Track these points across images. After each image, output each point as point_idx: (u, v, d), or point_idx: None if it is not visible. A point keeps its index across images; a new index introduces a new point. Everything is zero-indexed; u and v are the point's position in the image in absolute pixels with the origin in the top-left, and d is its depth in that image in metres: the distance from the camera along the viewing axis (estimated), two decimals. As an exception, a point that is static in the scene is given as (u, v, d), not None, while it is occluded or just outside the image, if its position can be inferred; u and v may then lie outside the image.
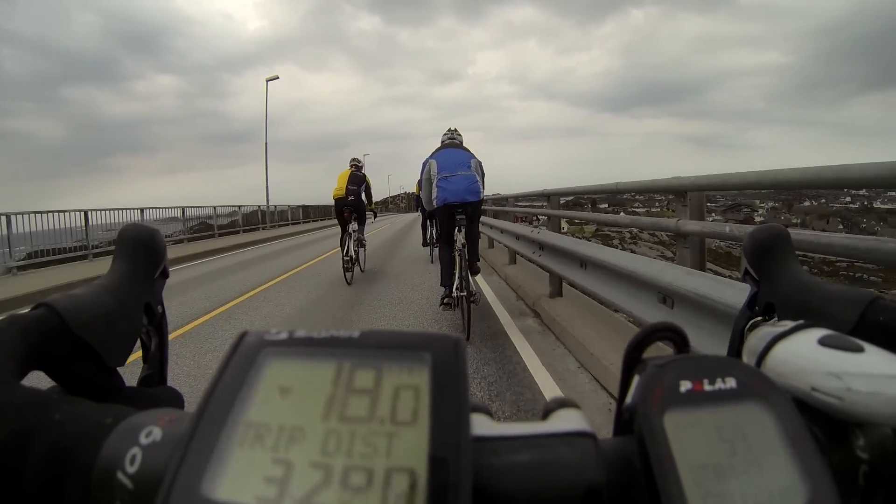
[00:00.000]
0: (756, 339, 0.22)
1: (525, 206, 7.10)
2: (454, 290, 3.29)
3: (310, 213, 23.89)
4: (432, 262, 4.25)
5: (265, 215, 18.50)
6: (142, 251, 0.27)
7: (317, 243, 11.56)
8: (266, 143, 20.47)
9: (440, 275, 3.51)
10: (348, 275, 5.41)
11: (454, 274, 3.31)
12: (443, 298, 3.44)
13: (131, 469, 0.16)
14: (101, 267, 5.83)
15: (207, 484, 0.14)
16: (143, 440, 0.16)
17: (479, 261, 3.54)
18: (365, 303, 4.43)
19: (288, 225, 20.27)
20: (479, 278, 4.94)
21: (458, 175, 3.33)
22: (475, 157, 3.46)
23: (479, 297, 3.75)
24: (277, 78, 21.11)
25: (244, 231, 16.22)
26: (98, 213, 9.25)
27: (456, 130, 3.74)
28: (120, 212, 10.10)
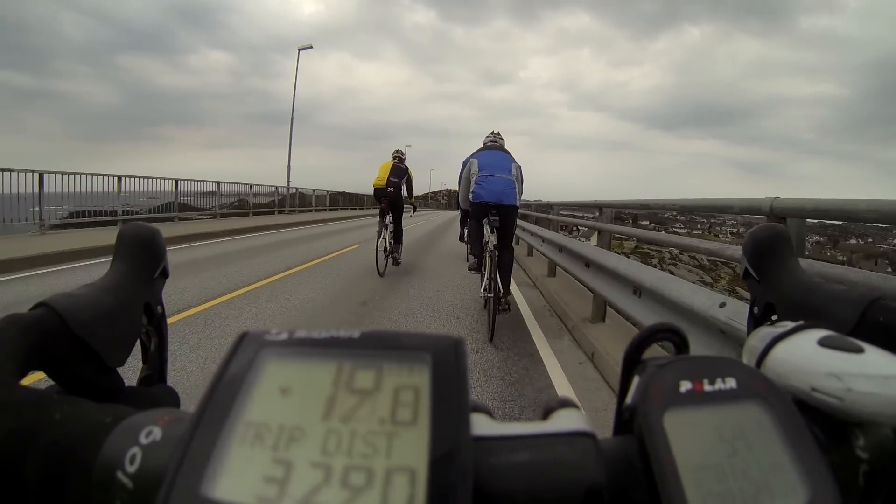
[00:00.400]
0: (756, 340, 0.22)
1: (566, 216, 6.85)
2: (482, 290, 3.37)
3: (338, 201, 23.70)
4: (470, 268, 3.83)
5: (294, 198, 18.08)
6: (142, 251, 0.27)
7: (349, 232, 11.66)
8: (292, 119, 19.39)
9: (469, 248, 3.87)
10: (381, 266, 5.37)
11: (485, 255, 3.39)
12: (470, 265, 3.68)
13: (131, 469, 0.16)
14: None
15: (207, 484, 0.14)
16: (143, 440, 0.16)
17: (510, 292, 3.55)
18: (393, 297, 4.37)
19: (317, 210, 19.99)
20: (513, 288, 4.65)
21: (496, 177, 3.36)
22: (516, 162, 3.47)
23: (512, 307, 3.70)
24: (311, 47, 20.05)
25: (279, 212, 16.25)
26: (131, 179, 9.30)
27: (499, 134, 3.77)
28: (154, 180, 10.17)
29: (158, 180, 10.45)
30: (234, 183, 14.13)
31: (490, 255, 3.28)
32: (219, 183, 13.15)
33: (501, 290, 3.25)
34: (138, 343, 0.27)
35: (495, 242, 3.30)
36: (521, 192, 3.48)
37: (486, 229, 3.38)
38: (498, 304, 3.21)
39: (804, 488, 0.15)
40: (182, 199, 11.39)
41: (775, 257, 0.28)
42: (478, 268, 3.53)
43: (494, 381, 2.59)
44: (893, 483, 0.18)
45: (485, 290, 3.34)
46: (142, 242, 0.27)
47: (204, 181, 12.56)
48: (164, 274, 0.28)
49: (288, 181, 18.08)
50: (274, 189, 16.90)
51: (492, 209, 3.34)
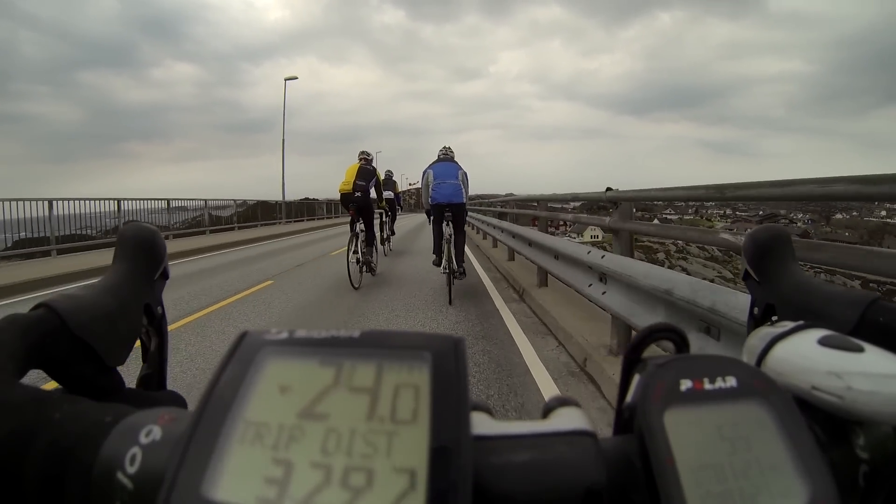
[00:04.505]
0: (756, 340, 0.22)
1: (542, 211, 6.07)
2: (442, 266, 4.58)
3: (304, 211, 21.87)
4: (434, 263, 4.83)
5: (280, 207, 17.57)
6: (142, 252, 0.27)
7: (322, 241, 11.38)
8: (283, 141, 20.50)
9: (433, 244, 4.83)
10: (355, 279, 4.90)
11: (443, 251, 4.58)
12: (434, 261, 4.79)
13: (131, 469, 0.16)
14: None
15: (208, 484, 0.14)
16: (143, 439, 0.16)
17: (464, 262, 4.76)
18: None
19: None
20: (478, 268, 6.53)
21: (447, 182, 4.57)
22: (462, 169, 4.70)
23: (466, 269, 4.87)
24: (296, 78, 21.19)
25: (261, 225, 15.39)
26: (65, 202, 8.40)
27: (449, 148, 4.97)
28: (93, 202, 9.17)
29: (97, 202, 9.21)
30: (187, 199, 12.87)
31: (447, 243, 4.51)
32: (168, 200, 12.06)
33: (455, 265, 4.50)
34: (138, 343, 0.27)
35: (451, 231, 4.53)
36: (467, 192, 4.70)
37: (445, 226, 4.57)
38: (453, 275, 4.48)
39: (804, 487, 0.15)
40: (126, 220, 9.72)
41: (775, 258, 0.28)
42: (440, 263, 4.68)
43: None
44: (893, 482, 0.18)
45: (443, 268, 4.52)
46: (142, 243, 0.27)
47: (152, 199, 11.59)
48: (165, 275, 0.28)
49: (283, 194, 18.37)
50: (233, 202, 15.70)
51: (445, 208, 4.53)
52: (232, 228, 14.83)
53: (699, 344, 1.83)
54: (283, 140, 20.53)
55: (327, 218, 23.43)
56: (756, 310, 0.29)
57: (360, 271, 5.13)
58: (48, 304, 0.22)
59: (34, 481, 0.16)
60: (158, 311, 0.28)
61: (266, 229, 15.43)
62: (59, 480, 0.16)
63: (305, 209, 22.35)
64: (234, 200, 15.84)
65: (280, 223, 17.94)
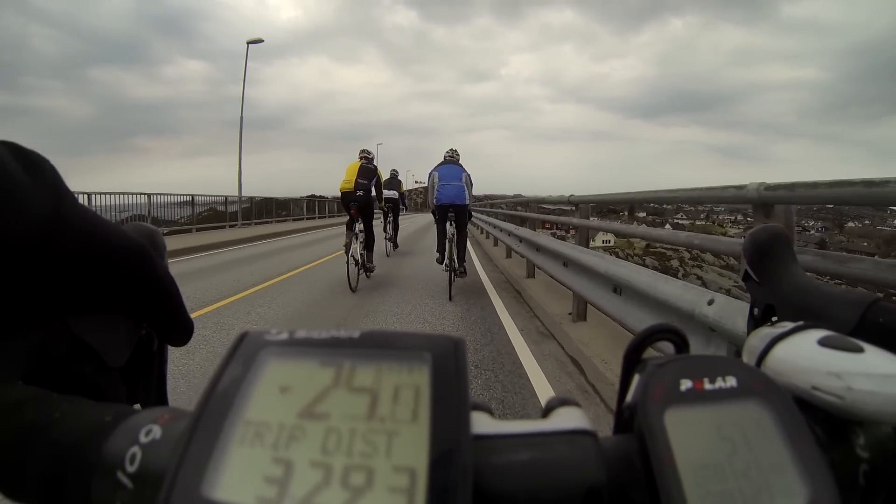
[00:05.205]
0: (756, 340, 0.22)
1: (551, 213, 6.60)
2: (444, 264, 4.83)
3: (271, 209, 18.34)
4: (438, 261, 5.17)
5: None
6: None
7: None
8: (241, 117, 16.39)
9: (437, 243, 5.11)
10: (353, 280, 4.83)
11: (445, 249, 4.84)
12: (437, 259, 5.09)
13: (131, 468, 0.16)
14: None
15: (208, 483, 0.14)
16: (143, 439, 0.16)
17: (465, 262, 5.09)
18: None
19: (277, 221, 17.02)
20: (478, 267, 7.19)
21: (451, 184, 4.85)
22: (466, 172, 4.97)
23: (468, 268, 5.30)
24: (262, 41, 17.82)
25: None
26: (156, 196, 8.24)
27: (455, 151, 5.19)
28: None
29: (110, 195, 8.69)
30: (170, 194, 11.59)
31: (449, 242, 4.77)
32: (149, 195, 10.80)
33: (457, 263, 4.81)
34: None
35: (454, 231, 4.80)
36: (470, 194, 5.02)
37: (448, 226, 4.84)
38: (455, 272, 4.77)
39: (804, 487, 0.15)
40: (125, 219, 8.16)
41: (775, 259, 0.28)
42: (443, 260, 4.97)
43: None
44: (893, 483, 0.18)
45: (445, 265, 4.80)
46: None
47: (130, 193, 10.11)
48: None
49: (240, 190, 15.26)
50: (224, 199, 14.42)
51: (449, 208, 4.83)
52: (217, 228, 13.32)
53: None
54: (242, 117, 16.38)
55: (307, 219, 20.50)
56: (756, 310, 0.29)
57: (358, 273, 5.05)
58: None
59: (34, 481, 0.16)
60: None
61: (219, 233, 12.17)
62: (60, 480, 0.16)
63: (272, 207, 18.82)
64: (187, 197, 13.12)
65: (231, 227, 14.27)
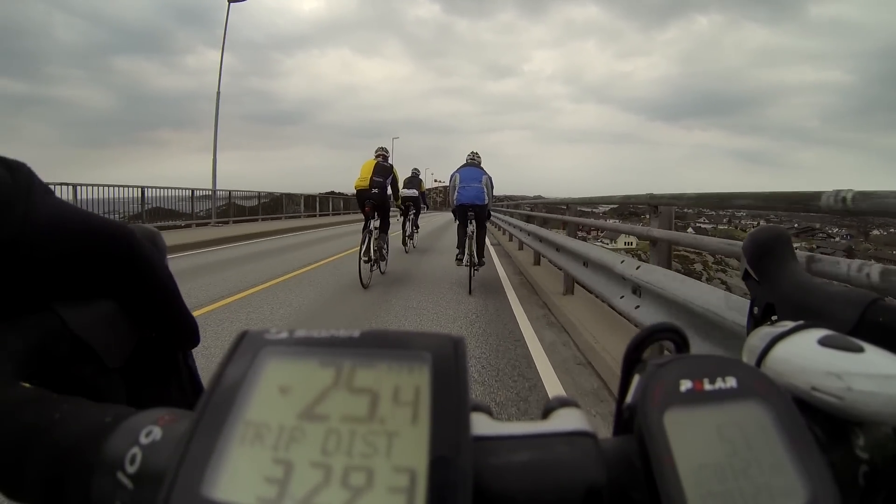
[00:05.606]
0: (756, 340, 0.22)
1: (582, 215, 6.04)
2: (464, 258, 5.16)
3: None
4: (456, 259, 5.43)
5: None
6: None
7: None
8: (218, 94, 14.31)
9: (457, 240, 5.38)
10: (365, 278, 4.79)
11: (465, 245, 5.16)
12: (457, 256, 5.33)
13: (131, 469, 0.16)
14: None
15: (208, 484, 0.14)
16: (143, 440, 0.16)
17: (483, 256, 5.35)
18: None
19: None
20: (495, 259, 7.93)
21: (471, 186, 5.09)
22: (486, 174, 5.21)
23: (485, 261, 5.60)
24: None
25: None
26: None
27: (476, 154, 5.49)
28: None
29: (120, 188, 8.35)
30: (155, 188, 10.66)
31: (469, 239, 5.10)
32: (143, 189, 10.06)
33: (476, 258, 5.11)
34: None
35: (474, 228, 5.14)
36: (490, 196, 5.27)
37: (469, 225, 5.17)
38: (474, 266, 5.11)
39: (804, 487, 0.15)
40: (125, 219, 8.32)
41: (775, 258, 0.28)
42: (462, 259, 5.30)
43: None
44: (893, 483, 0.18)
45: (465, 262, 5.13)
46: None
47: (111, 186, 9.22)
48: None
49: (214, 183, 13.47)
50: (211, 194, 13.13)
51: (469, 208, 5.12)
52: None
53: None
54: (218, 94, 14.16)
55: (307, 217, 18.93)
56: (756, 309, 0.29)
57: (371, 270, 5.08)
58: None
59: (35, 482, 0.16)
60: None
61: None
62: (60, 481, 0.16)
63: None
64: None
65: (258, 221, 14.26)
